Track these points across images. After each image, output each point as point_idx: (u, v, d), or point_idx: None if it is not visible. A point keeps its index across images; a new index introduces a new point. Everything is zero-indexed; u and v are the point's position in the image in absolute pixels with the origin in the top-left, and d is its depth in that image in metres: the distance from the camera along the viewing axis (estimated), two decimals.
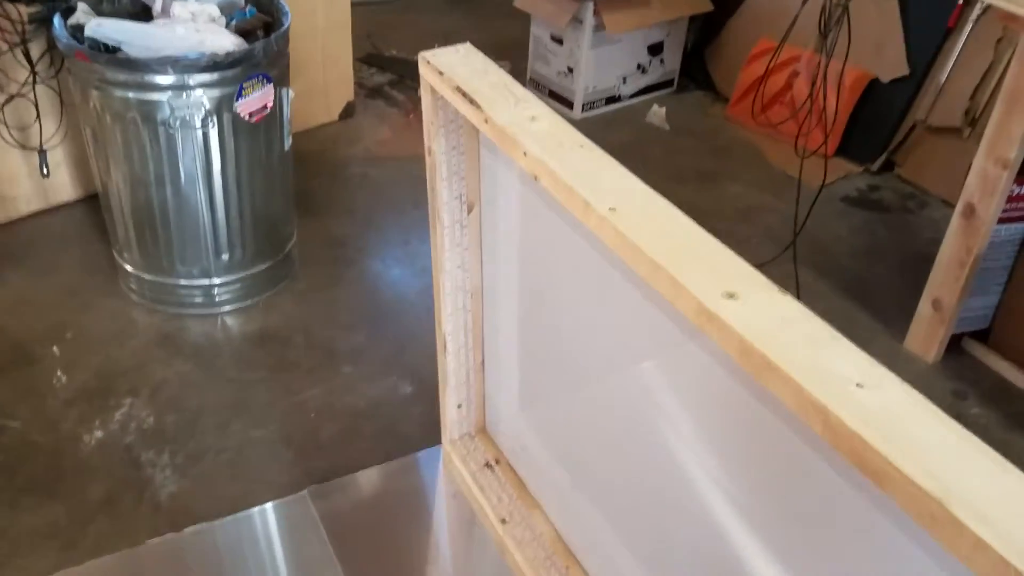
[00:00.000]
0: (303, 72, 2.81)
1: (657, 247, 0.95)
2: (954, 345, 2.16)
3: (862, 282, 2.43)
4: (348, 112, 3.00)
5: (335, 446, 1.82)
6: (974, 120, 2.63)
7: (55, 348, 2.01)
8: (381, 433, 1.86)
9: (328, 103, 2.94)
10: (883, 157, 2.88)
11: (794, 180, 2.55)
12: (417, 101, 2.68)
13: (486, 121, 1.20)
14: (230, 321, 2.13)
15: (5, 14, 1.99)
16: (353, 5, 2.94)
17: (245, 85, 1.87)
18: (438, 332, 1.64)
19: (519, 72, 3.40)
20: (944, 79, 2.69)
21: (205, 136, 1.88)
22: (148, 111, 1.83)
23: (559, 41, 3.15)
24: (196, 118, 1.85)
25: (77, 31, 1.87)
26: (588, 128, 3.16)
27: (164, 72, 1.78)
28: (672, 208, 1.01)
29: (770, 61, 2.63)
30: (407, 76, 3.28)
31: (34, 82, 2.11)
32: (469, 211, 1.50)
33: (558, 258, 1.38)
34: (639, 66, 3.28)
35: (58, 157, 2.33)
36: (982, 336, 2.16)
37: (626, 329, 1.26)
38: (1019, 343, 2.08)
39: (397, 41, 3.59)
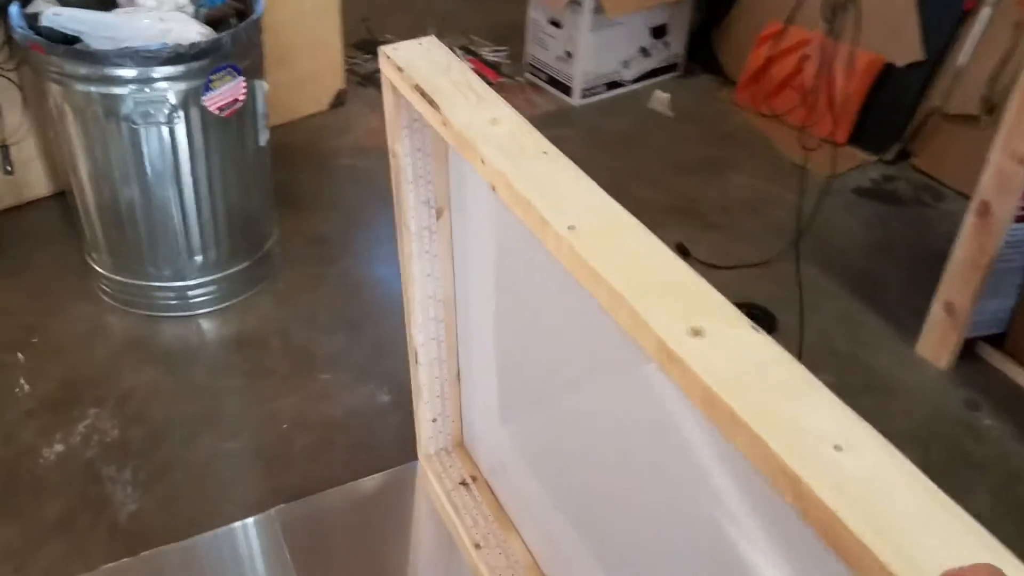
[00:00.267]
0: (289, 60, 2.70)
1: (618, 273, 0.84)
2: (967, 350, 2.03)
3: (872, 281, 2.30)
4: (339, 101, 2.89)
5: (307, 460, 1.73)
6: (992, 108, 2.48)
7: (20, 355, 1.93)
8: (355, 446, 1.76)
9: (317, 92, 2.83)
10: (897, 146, 2.74)
11: (805, 170, 2.42)
12: None
13: (444, 123, 1.09)
14: (205, 324, 2.04)
15: None
16: None
17: (213, 78, 1.76)
18: (409, 344, 1.54)
19: (517, 57, 3.27)
20: (961, 64, 2.54)
21: (171, 132, 1.78)
22: (110, 106, 1.74)
23: (557, 24, 3.02)
24: (161, 113, 1.75)
25: (35, 20, 1.77)
26: (587, 115, 3.07)
27: (124, 65, 1.68)
28: (639, 228, 0.90)
29: (774, 43, 2.49)
30: None
31: None
32: (438, 216, 1.39)
33: (534, 266, 1.27)
34: (642, 49, 3.14)
35: (30, 151, 2.24)
36: (997, 341, 2.03)
37: (607, 341, 1.15)
38: None
39: (393, 26, 3.46)
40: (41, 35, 1.73)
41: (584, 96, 3.07)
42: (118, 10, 1.82)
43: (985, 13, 2.48)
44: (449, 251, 1.44)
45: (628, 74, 3.15)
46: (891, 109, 2.73)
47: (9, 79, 2.00)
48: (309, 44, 2.75)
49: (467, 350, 1.58)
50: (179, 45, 1.69)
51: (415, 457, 1.70)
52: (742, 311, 2.31)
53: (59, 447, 1.73)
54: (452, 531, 1.61)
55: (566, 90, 3.08)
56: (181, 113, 1.76)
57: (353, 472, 1.71)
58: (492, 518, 1.59)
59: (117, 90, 1.71)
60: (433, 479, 1.66)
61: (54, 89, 1.75)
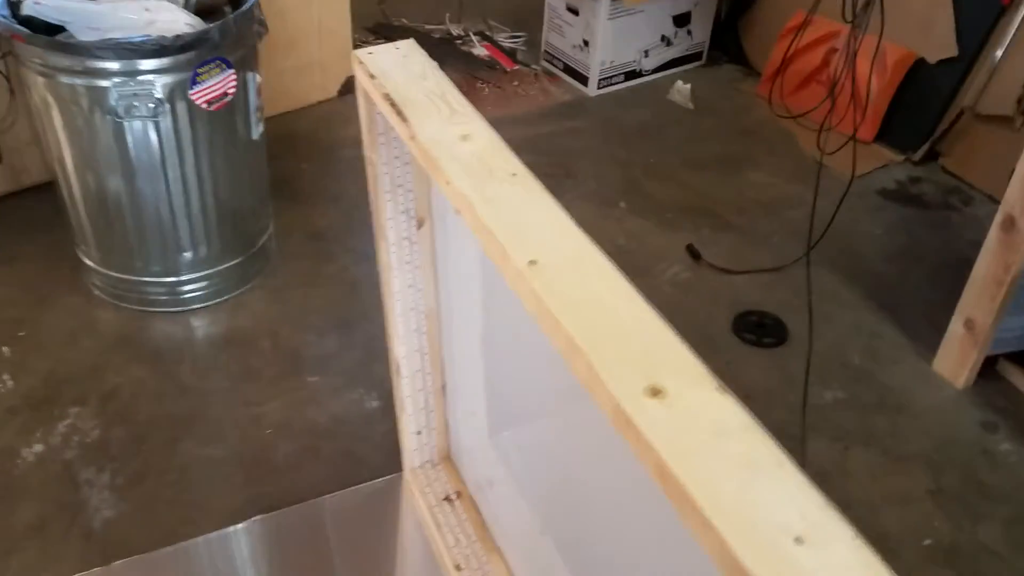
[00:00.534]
0: (296, 47, 2.64)
1: (577, 318, 0.76)
2: (988, 368, 1.93)
3: (892, 290, 2.20)
4: (348, 88, 2.82)
5: (289, 469, 1.68)
6: None
7: (5, 348, 1.89)
8: (340, 455, 1.71)
9: (325, 79, 2.76)
10: (926, 146, 2.61)
11: (828, 169, 2.31)
12: None
13: (412, 137, 1.01)
14: (196, 322, 1.99)
15: None
16: None
17: (200, 71, 1.70)
18: (391, 356, 1.47)
19: (535, 44, 3.18)
20: (996, 62, 2.41)
21: (157, 126, 1.72)
22: (94, 98, 1.68)
23: (574, 11, 2.92)
24: (145, 106, 1.69)
25: (18, 9, 1.71)
26: (603, 106, 2.97)
27: (106, 57, 1.62)
28: (606, 266, 0.82)
29: (795, 36, 2.38)
30: None
31: None
32: (419, 226, 1.32)
33: None
34: (663, 38, 3.03)
35: (25, 135, 2.19)
36: (1020, 359, 1.92)
37: None
38: None
39: (410, 10, 3.38)
40: (26, 24, 1.67)
41: (601, 86, 2.97)
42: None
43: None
44: (432, 262, 1.37)
45: (648, 64, 3.05)
46: (921, 107, 2.60)
47: None
48: (317, 29, 2.67)
49: (452, 362, 1.51)
50: (163, 37, 1.62)
51: (401, 468, 1.64)
52: (752, 319, 2.21)
53: (38, 447, 1.69)
54: (434, 549, 1.55)
55: (582, 80, 2.98)
56: (167, 107, 1.70)
57: (337, 482, 1.66)
58: (475, 538, 1.53)
59: (101, 82, 1.65)
60: (417, 493, 1.60)
61: (38, 80, 1.70)
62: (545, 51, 3.11)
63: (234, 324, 1.98)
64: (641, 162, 2.65)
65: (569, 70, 3.02)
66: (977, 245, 1.82)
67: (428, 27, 3.30)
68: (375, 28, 3.26)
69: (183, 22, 1.70)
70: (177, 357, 1.90)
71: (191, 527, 1.56)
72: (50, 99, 1.71)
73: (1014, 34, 2.37)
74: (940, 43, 2.52)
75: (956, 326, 1.89)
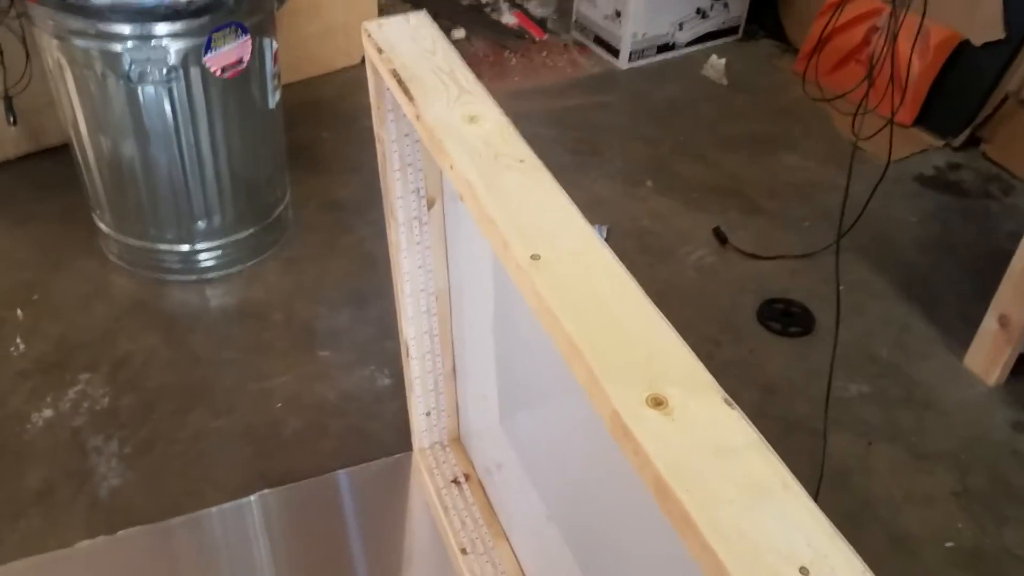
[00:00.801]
0: (320, 11, 2.59)
1: (578, 320, 0.72)
2: (1021, 366, 1.86)
3: (926, 282, 2.12)
4: None
5: (298, 444, 1.66)
6: None
7: (19, 311, 1.89)
8: (349, 432, 1.68)
9: (349, 45, 2.71)
10: (967, 132, 2.51)
11: (864, 153, 2.23)
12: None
13: (417, 117, 0.97)
14: (210, 291, 1.97)
15: None
16: None
17: (215, 36, 1.66)
18: (401, 337, 1.44)
19: (566, 13, 3.10)
20: None
21: (171, 92, 1.69)
22: (107, 62, 1.65)
23: None
24: (159, 72, 1.65)
25: None
26: (634, 80, 2.88)
27: (118, 20, 1.58)
28: (612, 262, 0.77)
29: (835, 13, 2.28)
30: (442, 13, 3.01)
31: None
32: (429, 206, 1.28)
33: None
34: (699, 10, 2.94)
35: (42, 97, 2.16)
36: None
37: None
38: None
39: None
40: None
41: (632, 59, 2.89)
42: None
43: None
44: (442, 242, 1.33)
45: (682, 37, 2.96)
46: (963, 91, 2.50)
47: (11, 29, 1.92)
48: None
49: (463, 344, 1.47)
50: (177, 1, 1.58)
51: (411, 447, 1.61)
52: (778, 307, 2.14)
53: (48, 412, 1.69)
54: (440, 532, 1.53)
55: (613, 52, 2.90)
56: (180, 72, 1.66)
57: (346, 459, 1.64)
58: (482, 522, 1.50)
59: (114, 46, 1.62)
60: (426, 474, 1.57)
61: (52, 43, 1.67)
62: (576, 21, 3.03)
63: (248, 295, 1.96)
64: (670, 140, 2.58)
65: (600, 41, 2.94)
66: (1016, 237, 1.74)
67: None
68: None
69: None
70: (190, 326, 1.88)
71: (197, 499, 1.55)
72: (64, 62, 1.68)
73: None
74: (986, 24, 2.41)
75: (990, 321, 1.82)
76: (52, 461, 1.60)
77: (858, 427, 1.76)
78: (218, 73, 1.70)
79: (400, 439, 1.61)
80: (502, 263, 0.83)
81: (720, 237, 2.18)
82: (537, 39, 3.02)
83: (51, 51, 1.69)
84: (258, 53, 1.75)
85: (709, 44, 3.01)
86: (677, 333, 0.71)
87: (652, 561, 1.06)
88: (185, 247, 1.93)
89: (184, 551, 1.51)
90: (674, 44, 2.95)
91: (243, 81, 1.76)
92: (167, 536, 1.51)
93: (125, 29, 1.59)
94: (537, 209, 0.83)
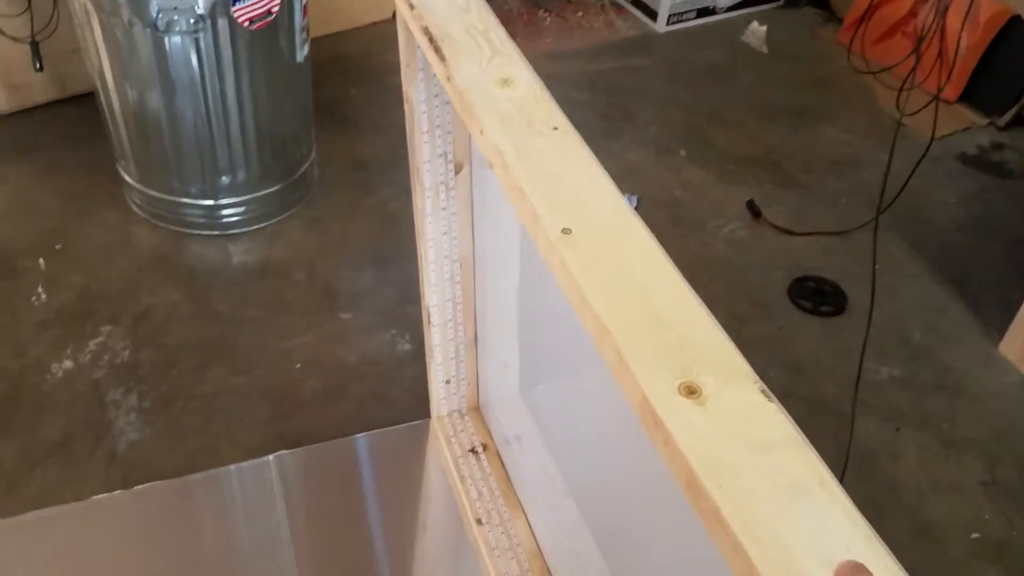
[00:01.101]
0: None
1: (609, 300, 0.68)
2: None
3: (963, 264, 2.06)
4: None
5: (316, 406, 1.65)
6: None
7: (41, 260, 1.88)
8: (368, 396, 1.67)
9: None
10: (1013, 111, 2.43)
11: (905, 128, 2.15)
12: None
13: (448, 78, 0.93)
14: (232, 247, 1.95)
15: None
16: None
17: None
18: (423, 303, 1.41)
19: None
20: None
21: (197, 43, 1.65)
22: (135, 10, 1.61)
23: None
24: (186, 21, 1.61)
25: None
26: (671, 44, 2.81)
27: None
28: (648, 239, 0.73)
29: None
30: None
31: None
32: (457, 171, 1.24)
33: None
34: None
35: (70, 43, 2.14)
36: None
37: None
38: None
39: None
40: None
41: (671, 22, 2.81)
42: None
43: None
44: (469, 209, 1.29)
45: (722, 1, 2.87)
46: (1011, 68, 2.41)
47: None
48: None
49: (486, 313, 1.44)
50: None
51: (429, 414, 1.59)
52: (810, 285, 2.08)
53: (68, 364, 1.68)
54: (456, 501, 1.51)
55: (651, 14, 2.82)
56: (208, 23, 1.63)
57: (364, 423, 1.62)
58: (499, 493, 1.48)
59: None
60: (443, 442, 1.55)
61: None
62: None
63: (271, 253, 1.94)
64: (706, 107, 2.51)
65: (638, 3, 2.86)
66: None
67: None
68: None
69: None
70: (211, 282, 1.87)
71: (215, 456, 1.54)
72: (91, 8, 1.65)
73: None
74: None
75: None
76: (71, 413, 1.60)
77: (887, 411, 1.72)
78: (246, 24, 1.66)
79: (418, 405, 1.59)
80: (531, 236, 0.79)
81: (753, 210, 2.12)
82: None
83: None
84: (287, 5, 1.71)
85: (750, 10, 2.92)
86: (713, 317, 0.67)
87: (673, 545, 1.03)
88: (209, 202, 1.91)
89: (200, 508, 1.50)
90: (714, 8, 2.87)
91: (271, 33, 1.72)
92: (184, 492, 1.51)
93: None
94: (570, 180, 0.79)
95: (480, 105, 0.87)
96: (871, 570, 0.53)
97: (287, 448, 1.56)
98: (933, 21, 2.00)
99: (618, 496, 1.21)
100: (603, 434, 1.21)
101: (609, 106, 2.45)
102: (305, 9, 1.78)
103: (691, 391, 0.62)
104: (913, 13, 2.55)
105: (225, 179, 1.87)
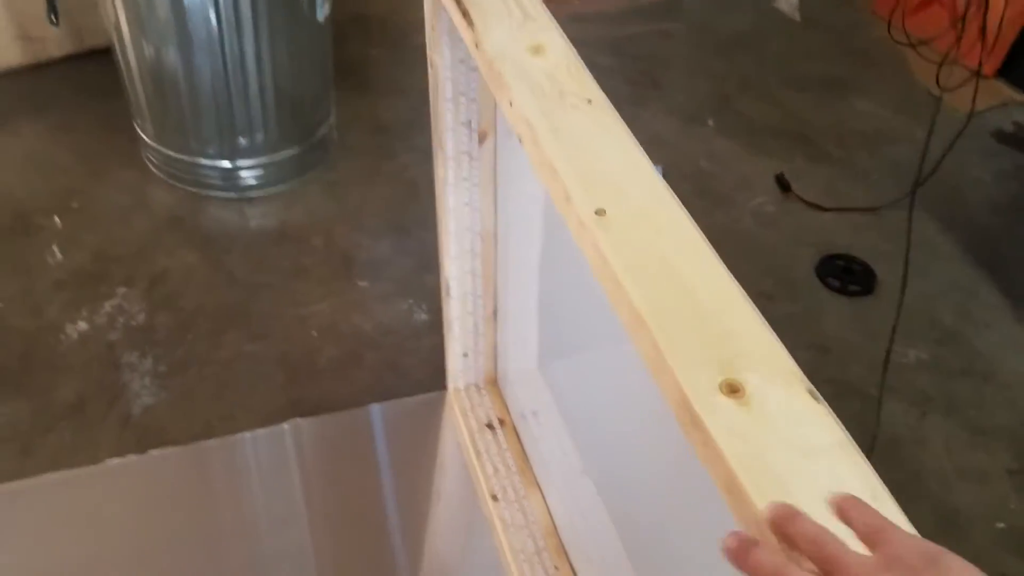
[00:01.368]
0: None
1: (646, 288, 0.64)
2: None
3: (996, 245, 2.00)
4: None
5: (332, 374, 1.62)
6: None
7: (57, 219, 1.85)
8: (384, 365, 1.64)
9: None
10: None
11: (940, 103, 2.09)
12: None
13: (476, 44, 0.88)
14: (249, 210, 1.92)
15: None
16: None
17: None
18: (442, 275, 1.38)
19: None
20: None
21: None
22: None
23: None
24: None
25: None
26: (700, 8, 2.72)
27: None
28: (687, 223, 0.69)
29: None
30: None
31: None
32: (481, 141, 1.20)
33: None
34: None
35: None
36: None
37: None
38: None
39: None
40: None
41: None
42: None
43: None
44: (492, 179, 1.25)
45: None
46: None
47: None
48: None
49: (506, 287, 1.41)
50: None
51: (446, 386, 1.57)
52: (839, 263, 2.02)
53: (83, 325, 1.66)
54: (472, 475, 1.49)
55: None
56: None
57: (379, 393, 1.60)
58: (515, 469, 1.46)
59: None
60: (459, 415, 1.53)
61: None
62: None
63: (288, 217, 1.91)
64: (736, 75, 2.44)
65: None
66: None
67: None
68: None
69: None
70: (228, 246, 1.84)
71: (230, 423, 1.53)
72: None
73: None
74: None
75: None
76: (85, 375, 1.58)
77: (913, 395, 1.68)
78: None
79: (434, 377, 1.57)
80: (561, 215, 0.75)
81: (782, 184, 2.07)
82: None
83: None
84: None
85: None
86: (758, 311, 0.63)
87: (690, 526, 1.00)
88: (226, 163, 1.87)
89: (215, 475, 1.49)
90: None
91: None
92: (198, 459, 1.49)
93: None
94: (605, 158, 0.74)
95: (510, 74, 0.82)
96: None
97: (302, 416, 1.54)
98: None
99: (636, 475, 1.18)
100: (622, 412, 1.18)
101: (636, 72, 2.39)
102: None
103: (733, 390, 0.58)
104: None
105: (243, 140, 1.83)
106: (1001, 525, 1.51)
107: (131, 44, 1.72)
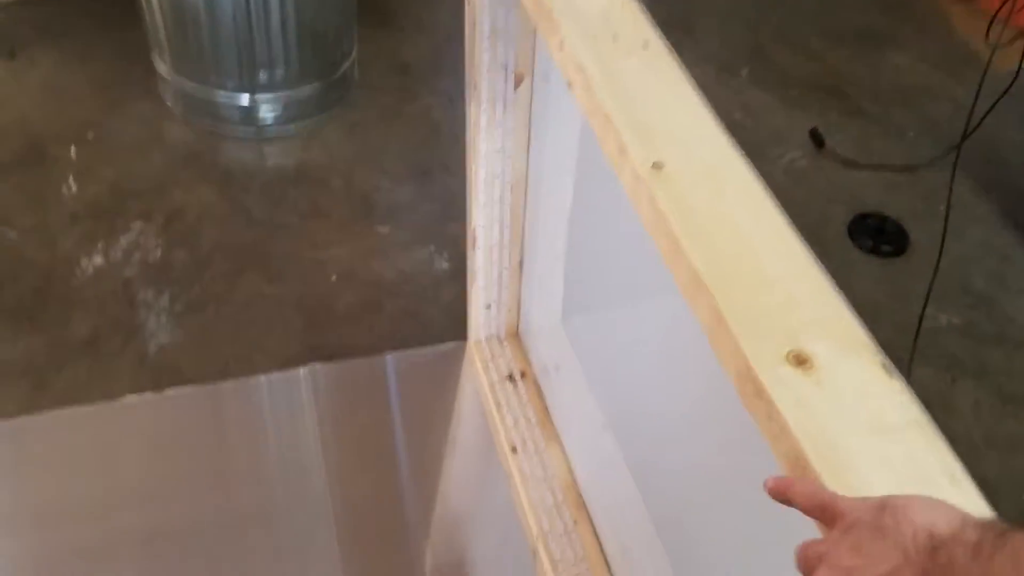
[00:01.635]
0: None
1: (707, 249, 0.60)
2: None
3: None
4: None
5: (350, 320, 1.59)
6: None
7: (72, 149, 1.81)
8: (404, 314, 1.61)
9: None
10: None
11: (980, 59, 2.01)
12: None
13: None
14: (267, 148, 1.87)
15: None
16: None
17: None
18: (468, 224, 1.33)
19: None
20: None
21: None
22: None
23: None
24: None
25: None
26: None
27: None
28: (751, 180, 0.65)
29: None
30: None
31: None
32: (517, 84, 1.14)
33: None
34: None
35: None
36: None
37: None
38: None
39: None
40: None
41: None
42: None
43: None
44: (526, 126, 1.20)
45: None
46: None
47: None
48: None
49: (534, 237, 1.36)
50: None
51: (466, 337, 1.54)
52: (871, 223, 1.96)
53: (98, 259, 1.63)
54: (491, 427, 1.47)
55: None
56: None
57: (398, 341, 1.57)
58: (535, 422, 1.43)
59: None
60: (480, 367, 1.50)
61: None
62: None
63: (307, 157, 1.86)
64: (771, 25, 2.36)
65: None
66: None
67: None
68: None
69: None
70: (246, 184, 1.80)
71: (246, 365, 1.50)
72: None
73: None
74: None
75: None
76: (101, 311, 1.56)
77: (943, 361, 1.64)
78: None
79: (455, 327, 1.53)
80: (613, 168, 0.71)
81: (816, 139, 2.00)
82: None
83: None
84: None
85: None
86: (828, 277, 0.59)
87: (714, 482, 0.98)
88: (245, 98, 1.82)
89: (230, 416, 1.47)
90: None
91: None
92: (214, 399, 1.47)
93: None
94: (663, 107, 0.70)
95: (560, 11, 0.77)
96: None
97: (320, 361, 1.51)
98: None
99: (659, 431, 1.15)
100: (647, 368, 1.15)
101: (668, 16, 2.30)
102: None
103: (800, 361, 0.55)
104: None
105: (263, 74, 1.78)
106: None
107: None
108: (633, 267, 1.10)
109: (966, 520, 0.41)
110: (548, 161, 1.22)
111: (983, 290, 1.78)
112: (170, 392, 1.46)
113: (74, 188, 1.74)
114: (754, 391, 0.54)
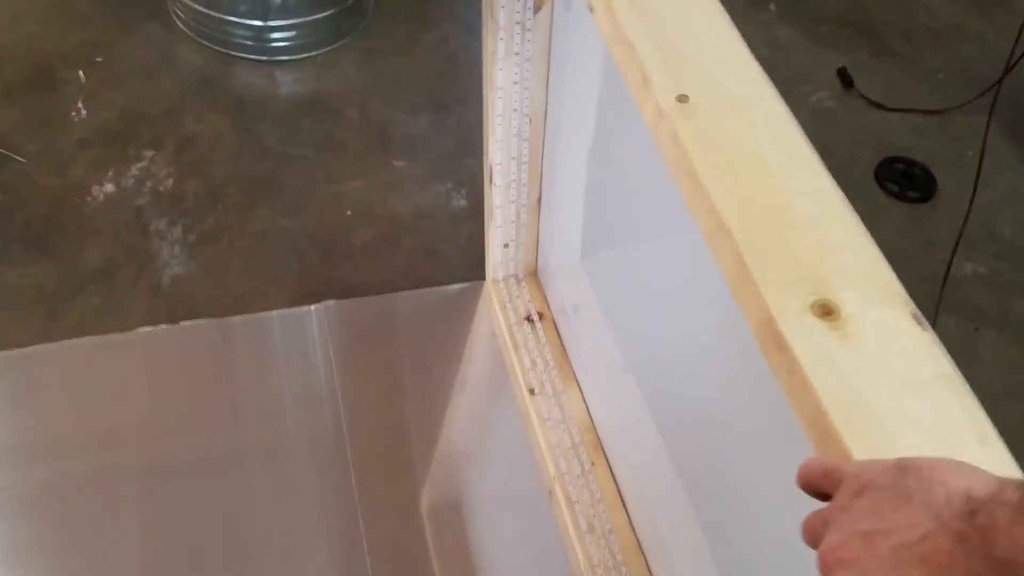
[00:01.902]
0: None
1: (731, 190, 0.57)
2: None
3: None
4: None
5: (366, 256, 1.57)
6: None
7: (81, 73, 1.77)
8: (420, 251, 1.59)
9: None
10: None
11: (1015, 2, 1.94)
12: None
13: None
14: (281, 76, 1.83)
15: None
16: None
17: None
18: (485, 161, 1.30)
19: None
20: None
21: None
22: None
23: None
24: None
25: None
26: None
27: None
28: (788, 120, 0.61)
29: None
30: None
31: None
32: (536, 10, 1.10)
33: None
34: None
35: None
36: None
37: None
38: None
39: None
40: None
41: None
42: None
43: None
44: (545, 55, 1.16)
45: None
46: None
47: None
48: None
49: (553, 175, 1.33)
50: None
51: (483, 276, 1.52)
52: (899, 167, 1.91)
53: (109, 187, 1.61)
54: (508, 369, 1.45)
55: None
56: None
57: (414, 279, 1.55)
58: (553, 364, 1.42)
59: None
60: (497, 307, 1.48)
61: None
62: None
63: (321, 86, 1.82)
64: None
65: None
66: None
67: None
68: None
69: None
70: (259, 113, 1.76)
71: (261, 299, 1.49)
72: None
73: None
74: None
75: None
76: (113, 240, 1.54)
77: (967, 310, 1.61)
78: None
79: (472, 266, 1.51)
80: (634, 101, 0.67)
81: (845, 79, 1.94)
82: None
83: None
84: None
85: None
86: (861, 223, 0.56)
87: (738, 424, 0.96)
88: (258, 22, 1.77)
89: (243, 351, 1.46)
90: None
91: None
92: (227, 333, 1.46)
93: None
94: (690, 36, 0.66)
95: None
96: None
97: (335, 298, 1.50)
98: None
99: (681, 374, 1.13)
100: (669, 309, 1.13)
101: None
102: None
103: (826, 311, 0.52)
104: None
105: None
106: None
107: None
108: (655, 204, 1.07)
109: (1004, 482, 0.38)
110: (568, 94, 1.18)
111: (1010, 238, 1.74)
112: (185, 324, 1.45)
113: (84, 113, 1.71)
114: (775, 343, 0.52)
